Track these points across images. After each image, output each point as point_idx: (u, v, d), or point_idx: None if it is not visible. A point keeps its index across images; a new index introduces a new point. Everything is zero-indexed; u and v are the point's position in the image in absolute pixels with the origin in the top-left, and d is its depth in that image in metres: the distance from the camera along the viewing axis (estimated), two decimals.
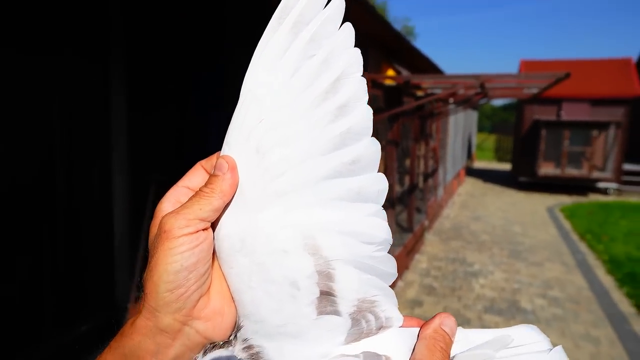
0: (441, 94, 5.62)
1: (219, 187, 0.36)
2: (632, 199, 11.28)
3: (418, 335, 0.36)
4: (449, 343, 0.36)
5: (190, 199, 0.36)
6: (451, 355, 0.36)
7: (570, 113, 11.86)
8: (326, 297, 0.36)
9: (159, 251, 0.34)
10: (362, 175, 0.36)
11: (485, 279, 5.23)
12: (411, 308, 4.31)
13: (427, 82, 5.82)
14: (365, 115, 0.36)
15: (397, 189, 5.70)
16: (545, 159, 11.76)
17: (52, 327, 2.34)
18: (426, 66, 7.62)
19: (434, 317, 0.37)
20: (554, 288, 5.01)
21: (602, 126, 11.39)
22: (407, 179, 6.23)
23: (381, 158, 0.38)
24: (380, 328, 0.37)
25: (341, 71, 0.36)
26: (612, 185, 11.70)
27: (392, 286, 0.39)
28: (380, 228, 0.38)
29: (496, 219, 8.42)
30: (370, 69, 3.98)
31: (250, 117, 0.36)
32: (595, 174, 11.49)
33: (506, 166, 17.51)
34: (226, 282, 0.38)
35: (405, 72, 6.12)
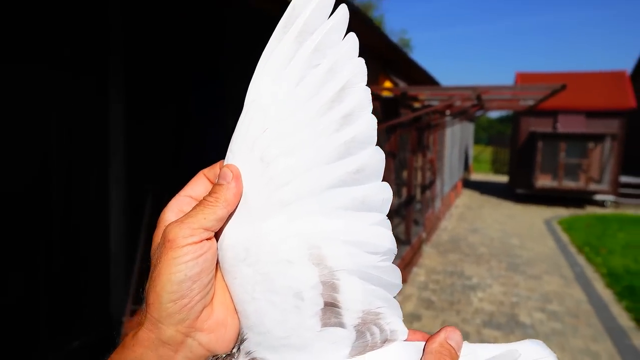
0: (438, 105, 5.65)
1: (224, 197, 0.35)
2: (629, 211, 11.30)
3: (424, 350, 0.36)
4: (455, 358, 0.35)
5: (194, 208, 0.36)
6: None
7: (566, 125, 11.93)
8: (330, 309, 0.35)
9: (162, 261, 0.34)
10: (366, 184, 0.36)
11: (484, 292, 5.20)
12: (409, 322, 4.28)
13: (424, 93, 5.86)
14: (369, 124, 0.36)
15: (395, 200, 5.69)
16: (542, 171, 11.81)
17: (47, 340, 2.31)
18: (423, 78, 7.68)
19: (439, 330, 0.36)
20: (552, 302, 4.98)
21: (598, 138, 11.46)
22: (404, 191, 6.23)
23: None
24: (385, 341, 0.37)
25: (346, 81, 0.36)
26: (609, 198, 11.73)
27: None
28: (384, 237, 0.37)
29: (494, 232, 8.41)
30: (368, 81, 4.00)
31: (254, 126, 0.36)
32: (592, 186, 11.53)
33: (503, 178, 17.55)
34: (229, 293, 0.37)
35: (402, 84, 6.16)
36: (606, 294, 5.29)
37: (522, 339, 0.38)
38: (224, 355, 0.36)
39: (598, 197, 11.77)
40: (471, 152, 18.46)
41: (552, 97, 5.35)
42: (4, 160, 2.09)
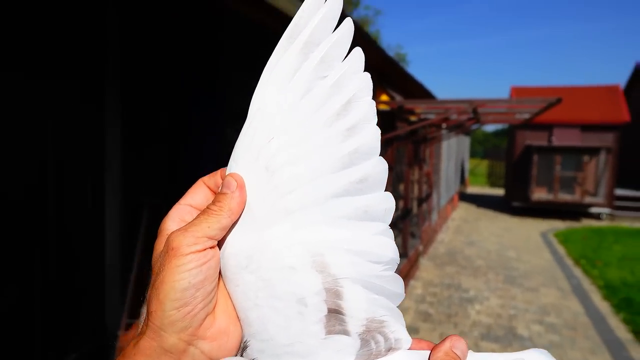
0: (434, 119, 5.69)
1: (228, 205, 0.35)
2: (625, 224, 11.34)
3: (429, 359, 0.36)
4: None
5: (198, 216, 0.36)
6: None
7: (561, 138, 12.02)
8: (334, 316, 0.35)
9: (165, 268, 0.34)
10: (369, 194, 0.37)
11: (481, 305, 5.18)
12: None
13: (420, 107, 5.90)
14: (374, 135, 0.37)
15: None
16: (538, 184, 11.86)
17: (42, 353, 2.28)
18: (419, 92, 7.73)
19: (444, 339, 0.36)
20: (550, 314, 4.97)
21: (593, 151, 11.54)
22: (401, 204, 6.23)
23: None
24: (389, 349, 0.36)
25: (352, 95, 0.37)
26: (605, 210, 11.77)
27: None
28: (387, 247, 0.38)
29: (490, 244, 8.41)
30: None
31: (260, 135, 0.37)
32: (588, 199, 11.57)
33: (499, 191, 17.61)
34: (231, 302, 0.37)
35: (398, 97, 6.20)
36: (603, 306, 5.28)
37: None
38: None
39: (593, 209, 11.82)
40: (467, 166, 18.53)
41: (547, 110, 5.39)
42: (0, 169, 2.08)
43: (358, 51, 0.38)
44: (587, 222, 11.34)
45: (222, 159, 0.41)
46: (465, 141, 15.98)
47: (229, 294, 0.37)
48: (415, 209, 6.98)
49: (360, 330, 0.36)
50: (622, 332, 4.56)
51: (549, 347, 4.11)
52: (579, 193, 11.49)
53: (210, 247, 0.35)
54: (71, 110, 2.38)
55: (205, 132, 3.22)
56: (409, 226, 6.20)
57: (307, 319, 0.35)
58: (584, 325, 4.68)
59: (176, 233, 0.35)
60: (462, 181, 16.08)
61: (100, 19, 2.48)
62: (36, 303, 2.26)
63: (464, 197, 15.61)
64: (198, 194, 0.40)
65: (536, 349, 0.38)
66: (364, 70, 0.38)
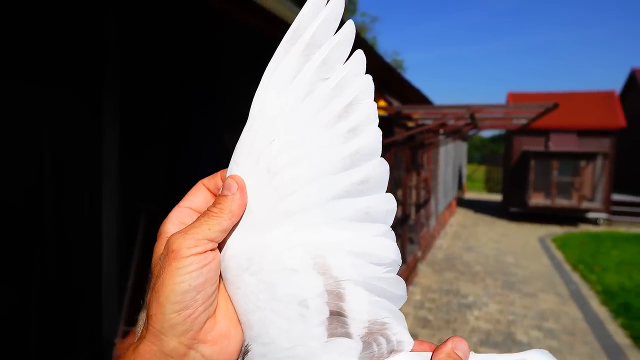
0: (432, 124, 5.70)
1: (228, 207, 0.35)
2: (622, 229, 11.36)
3: None
4: None
5: (198, 218, 0.36)
6: None
7: (558, 144, 12.06)
8: (336, 318, 0.35)
9: (165, 271, 0.33)
10: (370, 195, 0.37)
11: (480, 310, 5.17)
12: None
13: (418, 112, 5.91)
14: (375, 136, 0.37)
15: None
16: (535, 189, 11.89)
17: None
18: (417, 97, 7.75)
19: (446, 341, 0.36)
20: (548, 319, 4.96)
21: (590, 157, 11.58)
22: (399, 210, 6.23)
23: None
24: (391, 352, 0.36)
25: (354, 97, 0.37)
26: (602, 216, 11.80)
27: None
28: (389, 249, 0.37)
29: (489, 250, 8.41)
30: None
31: (260, 137, 0.36)
32: (585, 204, 11.60)
33: (496, 197, 17.63)
34: (232, 305, 0.37)
35: (396, 103, 6.22)
36: (602, 312, 5.28)
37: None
38: None
39: (591, 215, 11.84)
40: (465, 171, 18.56)
41: (544, 116, 5.42)
42: None
43: (360, 53, 0.38)
44: (584, 227, 11.36)
45: (220, 165, 0.41)
46: (462, 147, 16.02)
47: (229, 297, 0.37)
48: (413, 215, 6.98)
49: (362, 332, 0.35)
50: (620, 337, 4.55)
51: None
52: (576, 198, 11.52)
53: (211, 250, 0.35)
54: (68, 116, 2.38)
55: (204, 137, 3.22)
56: (407, 232, 6.20)
57: (309, 321, 0.34)
58: (583, 331, 4.67)
59: (176, 235, 0.34)
60: (460, 187, 16.10)
61: (98, 26, 2.48)
62: (33, 310, 2.24)
63: (462, 203, 15.62)
64: (198, 196, 0.40)
65: (537, 349, 0.38)
66: (365, 73, 0.38)
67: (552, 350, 4.16)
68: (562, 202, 11.64)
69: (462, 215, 12.99)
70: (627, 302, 5.47)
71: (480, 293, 5.79)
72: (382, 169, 0.37)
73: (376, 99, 0.38)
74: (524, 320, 4.91)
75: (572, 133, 12.00)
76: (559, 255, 8.17)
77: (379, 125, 0.37)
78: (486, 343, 4.27)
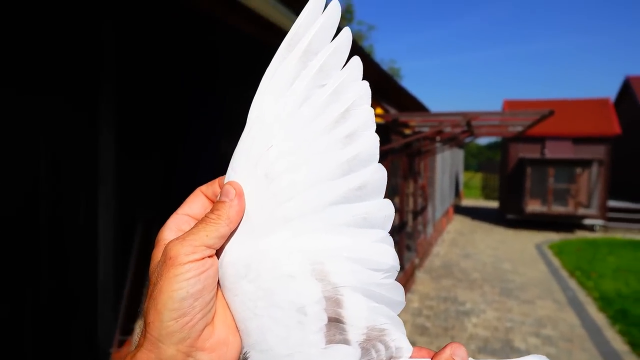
0: (428, 132, 5.72)
1: (226, 214, 0.35)
2: (618, 235, 11.39)
3: None
4: None
5: (196, 225, 0.36)
6: None
7: (553, 151, 12.12)
8: (335, 325, 0.35)
9: (163, 278, 0.33)
10: (368, 201, 0.37)
11: (478, 317, 5.16)
12: None
13: (414, 120, 5.93)
14: (372, 142, 0.37)
15: None
16: (532, 196, 11.92)
17: None
18: (413, 105, 7.78)
19: (445, 347, 0.36)
20: (546, 326, 4.95)
21: (585, 163, 11.63)
22: (396, 217, 6.23)
23: None
24: (390, 358, 0.36)
25: (351, 102, 0.37)
26: (598, 222, 11.83)
27: None
28: (387, 254, 0.37)
29: (486, 257, 8.41)
30: None
31: (258, 143, 0.37)
32: (581, 211, 11.63)
33: (493, 204, 17.66)
34: (230, 312, 0.37)
35: (393, 111, 6.24)
36: (599, 318, 5.27)
37: None
38: None
39: (587, 221, 11.87)
40: (461, 178, 18.60)
41: (539, 123, 5.44)
42: None
43: (356, 60, 0.38)
44: (581, 234, 11.38)
45: (218, 172, 0.40)
46: (459, 154, 16.07)
47: (227, 304, 0.37)
48: (410, 222, 6.98)
49: (360, 339, 0.35)
50: (618, 343, 4.55)
51: None
52: (572, 205, 11.55)
53: (209, 256, 0.35)
54: (64, 123, 2.38)
55: (202, 144, 3.22)
56: (405, 239, 6.20)
57: (307, 328, 0.34)
58: (581, 337, 4.66)
59: (174, 242, 0.34)
60: (457, 194, 16.13)
61: (95, 33, 2.48)
62: (27, 318, 2.22)
63: (459, 210, 15.64)
64: (196, 203, 0.40)
65: (535, 355, 0.37)
66: (362, 79, 0.38)
67: (550, 357, 4.14)
68: (558, 208, 11.67)
69: (459, 223, 13.00)
70: (624, 308, 5.47)
71: (478, 300, 5.78)
72: (379, 175, 0.37)
73: (373, 107, 0.38)
74: (521, 327, 4.90)
75: (567, 140, 12.06)
76: (555, 261, 8.17)
77: (376, 132, 0.37)
78: (484, 350, 4.26)
